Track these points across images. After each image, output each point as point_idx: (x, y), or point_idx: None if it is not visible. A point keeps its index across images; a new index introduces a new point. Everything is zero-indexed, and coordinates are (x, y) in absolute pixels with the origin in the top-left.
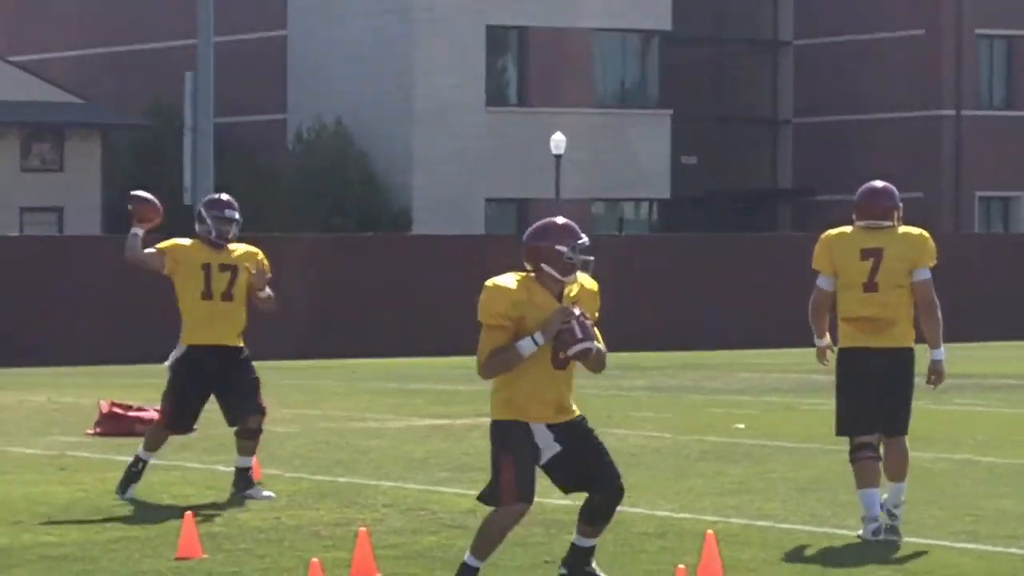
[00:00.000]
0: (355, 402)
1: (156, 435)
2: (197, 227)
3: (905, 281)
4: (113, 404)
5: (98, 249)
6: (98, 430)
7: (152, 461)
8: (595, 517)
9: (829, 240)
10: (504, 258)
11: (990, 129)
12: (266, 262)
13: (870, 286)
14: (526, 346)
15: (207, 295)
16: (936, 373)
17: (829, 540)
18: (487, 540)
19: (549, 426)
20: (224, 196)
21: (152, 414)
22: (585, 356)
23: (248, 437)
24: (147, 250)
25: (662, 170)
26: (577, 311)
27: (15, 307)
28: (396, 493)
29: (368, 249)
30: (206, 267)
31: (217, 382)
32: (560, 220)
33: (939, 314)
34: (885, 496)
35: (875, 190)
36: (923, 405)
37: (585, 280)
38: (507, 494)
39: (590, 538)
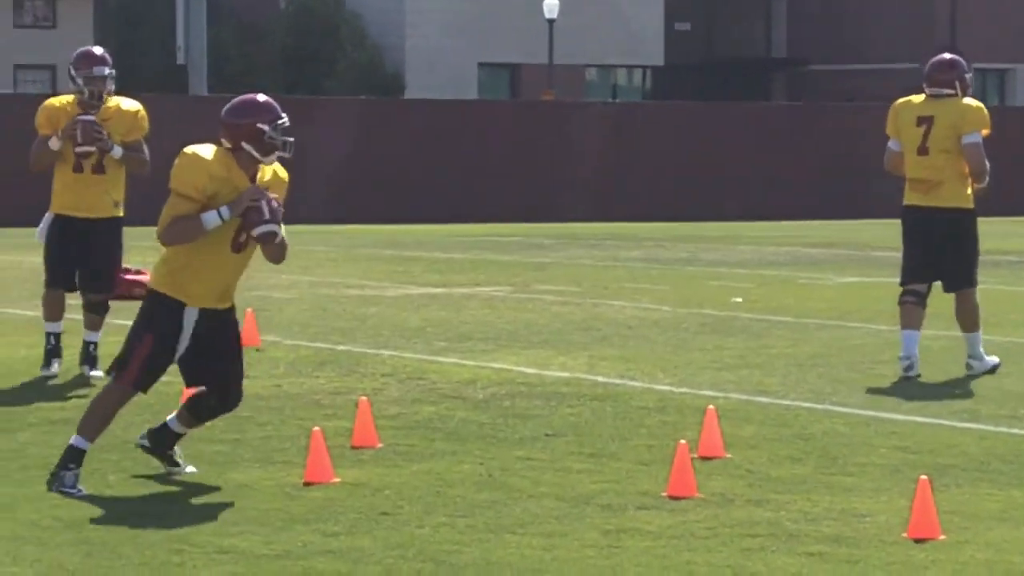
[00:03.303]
0: (351, 269)
1: (45, 301)
2: (70, 86)
3: (952, 146)
4: None
5: None
6: None
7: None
8: (202, 414)
9: (896, 108)
10: (497, 123)
11: None
12: (144, 123)
13: (922, 150)
14: (211, 219)
15: (77, 168)
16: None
17: (829, 417)
18: (95, 419)
19: (202, 311)
20: (97, 50)
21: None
22: (269, 240)
23: (91, 311)
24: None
25: (655, 37)
26: (270, 195)
27: (8, 164)
28: (395, 362)
29: (362, 114)
30: None
31: (81, 250)
32: (261, 97)
33: (986, 178)
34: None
35: (939, 61)
36: None
37: (277, 168)
38: (129, 376)
39: (186, 427)
